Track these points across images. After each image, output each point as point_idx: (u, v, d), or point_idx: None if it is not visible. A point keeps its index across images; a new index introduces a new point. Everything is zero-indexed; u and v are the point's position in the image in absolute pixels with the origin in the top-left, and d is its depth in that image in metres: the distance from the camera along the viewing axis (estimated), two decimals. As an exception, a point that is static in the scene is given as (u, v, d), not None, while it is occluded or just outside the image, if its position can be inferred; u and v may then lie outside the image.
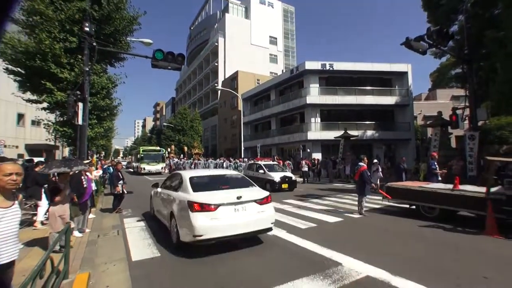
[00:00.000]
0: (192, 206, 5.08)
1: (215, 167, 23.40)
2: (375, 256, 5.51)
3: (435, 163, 9.80)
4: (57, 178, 5.90)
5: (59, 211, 5.53)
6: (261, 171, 15.11)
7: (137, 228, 7.28)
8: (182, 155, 35.98)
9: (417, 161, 15.02)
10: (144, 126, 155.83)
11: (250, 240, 6.24)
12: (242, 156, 27.13)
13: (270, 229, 5.73)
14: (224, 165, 23.05)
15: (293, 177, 14.78)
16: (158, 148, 30.99)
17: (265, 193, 5.96)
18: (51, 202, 5.46)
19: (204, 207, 5.14)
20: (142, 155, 26.71)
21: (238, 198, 5.40)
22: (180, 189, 5.71)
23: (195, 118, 47.14)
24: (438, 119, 15.28)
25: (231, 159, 23.40)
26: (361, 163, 8.59)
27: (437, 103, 33.16)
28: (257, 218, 5.51)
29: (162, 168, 28.04)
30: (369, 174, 8.43)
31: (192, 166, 26.63)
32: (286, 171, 15.78)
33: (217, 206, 5.22)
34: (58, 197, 5.48)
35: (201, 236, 5.01)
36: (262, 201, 5.74)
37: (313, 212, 8.81)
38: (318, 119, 27.04)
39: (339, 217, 8.20)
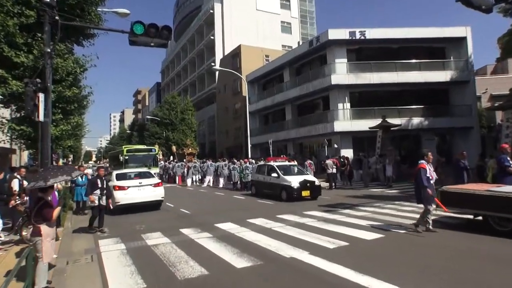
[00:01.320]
0: (114, 188, 12.27)
1: (216, 172, 23.69)
2: (432, 286, 5.14)
3: (508, 158, 9.01)
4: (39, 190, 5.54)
5: (51, 234, 5.45)
6: (274, 174, 15.21)
7: (116, 252, 7.34)
8: (171, 156, 36.30)
9: (482, 156, 14.17)
10: (122, 120, 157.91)
11: (253, 255, 6.60)
12: (249, 156, 27.23)
13: (161, 200, 13.85)
14: (225, 171, 23.34)
15: (316, 182, 14.85)
16: (148, 147, 31.30)
17: (158, 180, 14.17)
18: (45, 222, 5.33)
19: (120, 188, 12.85)
20: (126, 158, 27.06)
21: (140, 183, 13.52)
22: (110, 180, 12.59)
23: (187, 109, 47.57)
24: (511, 99, 14.92)
25: (235, 161, 23.55)
26: (422, 161, 8.10)
27: (508, 77, 31.71)
28: (151, 194, 13.58)
29: (155, 175, 28.29)
30: (429, 175, 7.83)
31: (185, 170, 26.86)
32: (307, 174, 15.90)
33: (128, 187, 13.10)
34: (54, 214, 5.36)
35: (118, 202, 12.23)
36: (155, 185, 13.83)
37: (344, 227, 8.74)
38: (347, 105, 26.89)
39: (378, 232, 8.11)
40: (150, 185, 13.90)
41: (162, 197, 13.93)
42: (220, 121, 47.95)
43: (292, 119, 32.51)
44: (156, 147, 30.82)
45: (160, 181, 14.34)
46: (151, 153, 28.63)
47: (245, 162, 20.91)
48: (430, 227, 7.86)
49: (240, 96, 41.21)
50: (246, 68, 40.08)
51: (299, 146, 32.64)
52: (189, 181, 25.86)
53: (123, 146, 31.97)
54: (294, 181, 14.36)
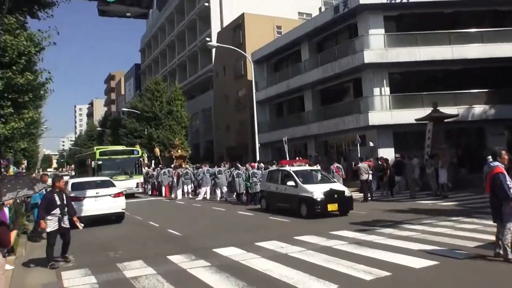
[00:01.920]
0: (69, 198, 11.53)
1: (214, 179, 23.95)
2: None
3: None
4: None
5: (3, 263, 5.45)
6: (291, 183, 15.30)
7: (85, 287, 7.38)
8: (153, 161, 36.52)
9: None
10: (90, 114, 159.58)
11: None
12: (257, 159, 27.30)
13: (122, 213, 15.96)
14: (224, 178, 23.77)
15: (346, 192, 14.91)
16: (129, 149, 31.97)
17: (118, 190, 16.05)
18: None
19: (76, 199, 14.21)
20: (99, 163, 27.49)
21: (97, 193, 15.27)
22: (66, 190, 13.11)
23: (174, 98, 48.01)
24: None
25: (239, 165, 23.65)
26: (495, 163, 7.46)
27: None
28: (111, 206, 15.45)
29: (139, 186, 29.38)
30: (509, 182, 7.19)
31: (174, 178, 27.01)
32: (334, 182, 15.98)
33: (84, 198, 14.95)
34: (11, 237, 5.29)
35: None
36: (115, 195, 15.67)
37: (384, 252, 8.66)
38: (386, 90, 26.85)
39: (430, 258, 8.00)
40: (109, 195, 15.59)
41: (123, 209, 16.04)
42: (219, 114, 48.24)
43: (314, 109, 32.51)
44: (139, 149, 31.11)
45: (121, 190, 16.35)
46: (132, 156, 28.90)
47: (252, 167, 20.96)
48: (510, 254, 7.41)
49: (244, 80, 41.36)
50: (251, 43, 40.16)
51: (323, 145, 32.62)
52: (179, 193, 26.05)
53: (95, 148, 32.26)
54: (317, 191, 14.36)
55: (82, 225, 9.94)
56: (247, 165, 23.40)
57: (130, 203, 24.83)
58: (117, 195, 15.73)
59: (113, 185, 16.42)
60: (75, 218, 9.52)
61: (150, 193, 31.33)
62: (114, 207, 15.63)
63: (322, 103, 32.69)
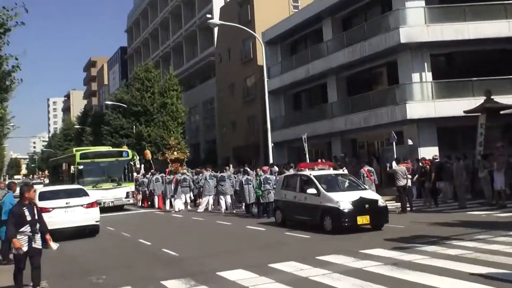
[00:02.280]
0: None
1: (218, 187, 24.03)
2: None
3: None
4: None
5: None
6: (312, 190, 15.32)
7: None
8: (143, 165, 36.73)
9: None
10: (67, 109, 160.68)
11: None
12: (271, 161, 27.26)
13: (96, 225, 17.07)
14: (230, 186, 23.91)
15: (380, 201, 14.88)
16: (117, 150, 32.29)
17: (90, 200, 17.09)
18: None
19: (43, 210, 13.38)
20: (80, 168, 27.62)
21: (67, 203, 16.27)
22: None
23: (169, 88, 48.23)
24: None
25: (248, 169, 23.70)
26: None
27: None
28: (83, 218, 16.49)
29: (130, 196, 29.68)
30: None
31: (172, 186, 27.08)
32: (365, 189, 15.99)
33: (52, 208, 15.87)
34: None
35: None
36: (88, 206, 16.68)
37: (428, 275, 8.57)
38: (428, 75, 26.76)
39: (487, 283, 7.89)
40: (81, 205, 16.63)
41: (97, 222, 17.06)
42: (223, 108, 48.53)
43: (339, 100, 32.48)
44: (129, 150, 31.19)
45: (94, 200, 17.51)
46: (121, 159, 29.01)
47: (265, 172, 20.98)
48: None
49: (254, 66, 41.49)
50: (262, 21, 40.19)
51: (351, 144, 32.58)
52: (178, 203, 26.14)
53: (75, 149, 32.44)
54: (344, 200, 14.32)
55: (57, 244, 9.76)
56: (258, 169, 23.33)
57: (117, 217, 25.01)
58: (90, 205, 16.78)
59: (86, 194, 17.59)
60: (48, 237, 9.20)
61: (140, 204, 31.47)
62: (86, 219, 16.57)
63: (349, 93, 32.60)
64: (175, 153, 36.52)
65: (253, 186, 21.03)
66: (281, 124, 37.13)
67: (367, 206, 14.31)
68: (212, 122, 52.34)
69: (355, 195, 14.65)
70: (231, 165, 30.29)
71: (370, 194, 15.23)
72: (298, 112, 38.17)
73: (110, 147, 37.69)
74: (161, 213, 26.74)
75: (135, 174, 32.70)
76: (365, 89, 30.80)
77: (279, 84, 37.25)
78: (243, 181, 21.76)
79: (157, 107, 47.73)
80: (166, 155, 36.11)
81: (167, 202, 27.33)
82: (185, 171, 29.23)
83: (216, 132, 50.51)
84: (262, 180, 20.04)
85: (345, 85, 33.07)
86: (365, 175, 19.61)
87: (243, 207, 22.92)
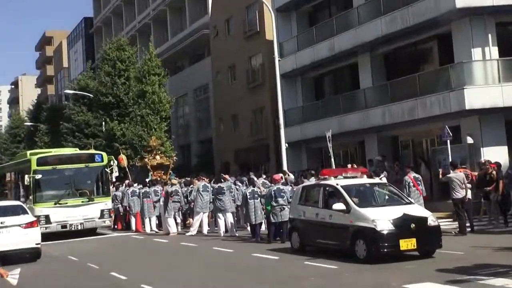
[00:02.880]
0: None
1: (215, 202, 24.01)
2: None
3: None
4: None
5: None
6: (339, 205, 15.32)
7: None
8: (114, 174, 36.37)
9: None
10: (14, 101, 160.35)
11: None
12: (285, 167, 27.17)
13: (37, 248, 18.50)
14: (229, 200, 23.94)
15: (431, 218, 14.86)
16: (86, 152, 32.51)
17: (30, 219, 18.67)
18: None
19: None
20: (37, 178, 27.31)
21: (2, 223, 17.75)
22: None
23: (149, 72, 48.06)
24: None
25: (254, 178, 23.65)
26: None
27: None
28: (21, 240, 17.88)
29: (106, 215, 29.19)
30: None
31: (161, 201, 27.02)
32: (409, 202, 15.94)
33: None
34: None
35: None
36: (26, 226, 18.10)
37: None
38: (493, 50, 26.74)
39: None
40: (19, 225, 17.80)
41: (38, 244, 18.33)
42: (221, 97, 48.69)
43: (374, 86, 32.43)
44: (102, 153, 30.91)
45: (34, 219, 18.84)
46: (93, 164, 28.67)
47: (276, 182, 20.80)
48: None
49: (261, 41, 41.61)
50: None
51: (391, 143, 32.50)
52: (171, 224, 26.10)
53: (29, 153, 32.31)
54: (383, 218, 14.25)
55: (16, 278, 9.84)
56: (265, 178, 23.20)
57: (83, 244, 25.10)
58: (30, 225, 18.05)
59: (25, 212, 18.99)
60: (1, 271, 9.27)
61: (112, 225, 31.48)
62: (25, 242, 17.84)
63: (388, 76, 32.51)
64: (157, 157, 36.39)
65: (260, 201, 20.98)
66: (298, 118, 37.07)
67: (413, 225, 14.18)
68: (206, 116, 52.32)
69: (397, 211, 14.56)
70: (236, 175, 30.19)
71: (417, 209, 15.16)
72: (320, 101, 37.99)
73: (77, 149, 37.41)
74: (141, 237, 26.74)
75: (121, 185, 32.44)
76: (409, 71, 30.59)
77: (295, 65, 37.13)
78: (248, 193, 21.60)
79: (134, 97, 47.67)
80: (146, 160, 36.03)
81: (147, 222, 27.77)
82: (174, 181, 28.99)
83: (212, 129, 50.64)
84: (273, 192, 19.94)
85: (383, 66, 32.93)
86: (411, 184, 19.47)
87: (248, 228, 22.87)
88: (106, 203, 28.38)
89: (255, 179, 23.82)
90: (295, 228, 17.57)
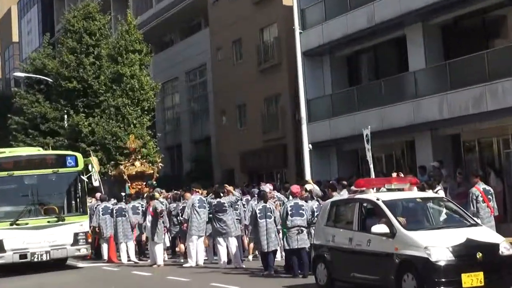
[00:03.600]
0: None
1: (213, 222, 23.98)
2: None
3: None
4: None
5: None
6: (381, 227, 15.07)
7: None
8: (97, 184, 35.96)
9: None
10: None
11: None
12: (307, 177, 27.12)
13: None
14: (241, 217, 24.26)
15: (504, 245, 14.59)
16: (54, 153, 31.88)
17: None
18: None
19: None
20: None
21: None
22: None
23: (127, 48, 47.83)
24: None
25: (266, 189, 23.61)
26: None
27: None
28: None
29: (81, 241, 27.67)
30: None
31: (147, 221, 26.96)
32: (475, 224, 15.84)
33: None
34: None
35: None
36: None
37: None
38: None
39: None
40: None
41: None
42: (223, 82, 48.93)
43: (428, 68, 32.28)
44: (77, 154, 30.18)
45: None
46: (64, 170, 26.84)
47: (295, 195, 20.83)
48: None
49: (276, 7, 41.87)
50: None
51: (451, 145, 32.42)
52: (159, 253, 26.06)
53: None
54: (439, 244, 14.10)
55: None
56: (273, 192, 23.11)
57: (44, 279, 25.10)
58: None
59: None
60: None
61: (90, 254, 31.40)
62: None
63: (446, 54, 32.48)
64: (137, 163, 36.35)
65: (274, 220, 21.02)
66: (326, 111, 37.01)
67: (479, 255, 13.95)
68: (203, 108, 52.29)
69: (459, 235, 14.37)
70: (242, 186, 30.11)
71: (485, 233, 15.03)
72: (355, 88, 37.88)
73: (40, 148, 36.08)
74: (115, 269, 26.78)
75: (90, 199, 31.53)
76: (475, 47, 30.54)
77: (321, 40, 37.06)
78: (258, 211, 21.48)
79: (106, 81, 47.68)
80: (123, 167, 35.96)
81: (123, 249, 27.80)
82: (156, 194, 28.85)
83: (211, 125, 50.81)
84: (288, 209, 19.98)
85: (439, 41, 32.91)
86: (480, 198, 19.40)
87: (259, 256, 22.89)
88: (81, 224, 26.94)
89: (269, 190, 23.78)
90: (321, 258, 17.43)
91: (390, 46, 36.02)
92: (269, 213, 21.22)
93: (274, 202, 22.55)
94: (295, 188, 21.44)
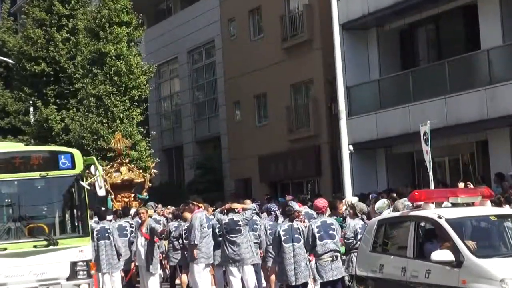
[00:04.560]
0: None
1: (226, 246, 23.99)
2: None
3: None
4: None
5: None
6: (442, 253, 14.97)
7: None
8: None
9: None
10: None
11: None
12: (349, 186, 27.31)
13: None
14: (260, 240, 24.36)
15: None
16: (41, 149, 30.06)
17: None
18: None
19: None
20: None
21: None
22: None
23: (111, 20, 47.71)
24: None
25: (295, 206, 23.68)
26: None
27: None
28: None
29: (80, 274, 26.08)
30: None
31: (139, 244, 27.14)
32: None
33: None
34: None
35: None
36: None
37: None
38: None
39: None
40: None
41: None
42: (236, 64, 49.24)
43: (506, 45, 32.24)
44: (73, 151, 28.84)
45: None
46: (56, 173, 23.81)
47: (322, 210, 20.89)
48: None
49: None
50: None
51: None
52: (153, 285, 26.17)
53: None
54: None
55: None
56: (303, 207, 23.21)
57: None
58: None
59: None
60: None
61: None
62: None
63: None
64: (123, 168, 36.45)
65: (305, 245, 21.00)
66: (372, 102, 37.21)
67: None
68: (211, 98, 52.45)
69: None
70: (263, 200, 30.18)
71: None
72: (410, 72, 37.87)
73: (20, 144, 33.66)
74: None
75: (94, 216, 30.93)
76: None
77: (366, 9, 37.21)
78: (283, 232, 21.62)
79: (85, 63, 47.84)
80: (108, 177, 36.08)
81: (107, 280, 27.69)
82: (151, 211, 28.91)
83: (221, 121, 50.98)
84: (315, 230, 20.04)
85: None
86: None
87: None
88: (81, 249, 23.05)
89: (297, 206, 23.77)
90: (366, 293, 17.71)
91: (456, 16, 36.05)
92: (297, 235, 21.19)
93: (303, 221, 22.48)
94: (320, 202, 21.60)
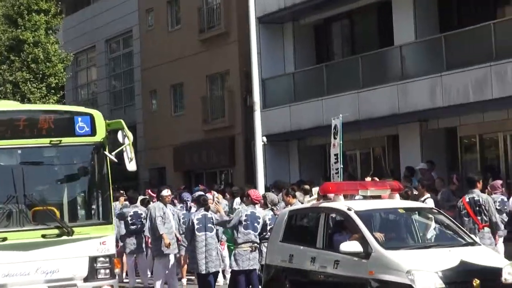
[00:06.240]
0: None
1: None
2: None
3: None
4: None
5: None
6: (350, 244, 15.01)
7: None
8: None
9: None
10: None
11: None
12: (261, 176, 27.37)
13: None
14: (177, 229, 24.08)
15: (507, 270, 14.69)
16: (50, 107, 28.37)
17: None
18: None
19: None
20: None
21: None
22: None
23: (29, 7, 47.14)
24: None
25: (211, 195, 23.61)
26: None
27: None
28: None
29: (100, 273, 24.12)
30: None
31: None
32: (472, 242, 15.92)
33: None
34: None
35: None
36: None
37: None
38: None
39: None
40: None
41: None
42: (154, 54, 49.07)
43: (418, 42, 32.48)
44: (93, 111, 26.52)
45: None
46: (70, 140, 19.79)
47: (256, 201, 20.82)
48: None
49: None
50: None
51: (444, 141, 32.73)
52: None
53: None
54: (424, 267, 14.27)
55: None
56: (221, 196, 23.20)
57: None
58: None
59: None
60: None
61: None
62: None
63: (442, 25, 32.75)
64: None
65: (217, 234, 21.12)
66: (286, 94, 37.17)
67: (476, 282, 14.11)
68: (127, 87, 52.13)
69: (451, 257, 14.50)
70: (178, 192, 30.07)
71: (485, 255, 15.20)
72: (324, 66, 37.94)
73: (18, 103, 29.64)
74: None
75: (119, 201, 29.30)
76: (480, 16, 30.78)
77: (282, 3, 37.23)
78: (196, 221, 21.27)
79: (2, 50, 47.24)
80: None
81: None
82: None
83: (137, 110, 51.04)
84: (243, 219, 19.82)
85: (435, 7, 33.14)
86: (464, 211, 19.58)
87: (195, 280, 23.01)
88: (103, 241, 18.47)
89: (211, 196, 23.69)
90: (276, 282, 17.58)
91: (371, 12, 36.18)
92: (210, 225, 21.09)
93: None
94: (254, 193, 21.14)
